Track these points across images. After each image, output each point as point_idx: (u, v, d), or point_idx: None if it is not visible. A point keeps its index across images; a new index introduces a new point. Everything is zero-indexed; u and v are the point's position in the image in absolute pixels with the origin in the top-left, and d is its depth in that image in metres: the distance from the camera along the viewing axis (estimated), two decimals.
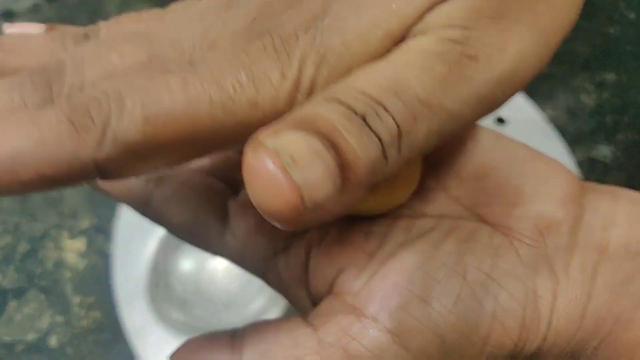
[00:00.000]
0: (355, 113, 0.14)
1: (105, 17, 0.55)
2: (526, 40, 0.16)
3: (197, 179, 0.23)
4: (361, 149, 0.14)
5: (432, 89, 0.15)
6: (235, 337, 0.19)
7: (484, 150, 0.22)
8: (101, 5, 0.58)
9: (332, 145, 0.14)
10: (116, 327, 0.39)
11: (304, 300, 0.21)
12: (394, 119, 0.15)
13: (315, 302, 0.21)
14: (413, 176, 0.21)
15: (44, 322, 0.41)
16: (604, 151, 0.44)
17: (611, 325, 0.19)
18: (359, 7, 0.16)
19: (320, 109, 0.14)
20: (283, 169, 0.13)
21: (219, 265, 0.41)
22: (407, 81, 0.15)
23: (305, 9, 0.16)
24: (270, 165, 0.13)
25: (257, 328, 0.19)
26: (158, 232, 0.42)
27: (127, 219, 0.43)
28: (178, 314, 0.39)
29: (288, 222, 0.14)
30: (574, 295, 0.19)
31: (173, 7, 0.20)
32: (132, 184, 0.22)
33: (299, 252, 0.21)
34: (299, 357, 0.18)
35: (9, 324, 0.41)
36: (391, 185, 0.20)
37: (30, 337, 0.40)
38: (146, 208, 0.22)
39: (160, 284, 0.40)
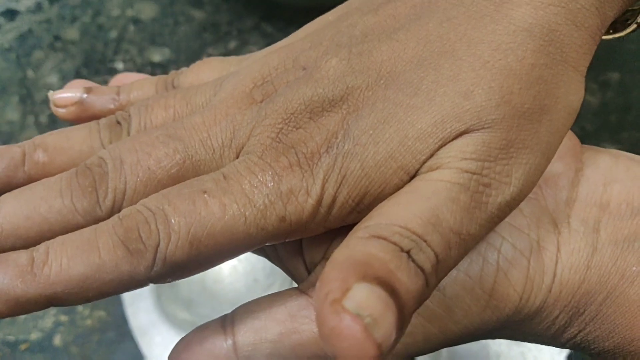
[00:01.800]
0: (402, 249, 0.15)
1: (107, 17, 0.54)
2: (531, 162, 0.17)
3: None
4: (411, 285, 0.15)
5: (461, 218, 0.16)
6: (225, 320, 0.19)
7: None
8: (103, 5, 0.58)
9: (391, 289, 0.15)
10: (121, 326, 0.39)
11: (300, 270, 0.21)
12: (433, 251, 0.16)
13: (311, 271, 0.21)
14: None
15: (48, 322, 0.41)
16: None
17: (617, 280, 0.19)
18: (377, 138, 0.17)
19: (372, 249, 0.15)
20: (366, 331, 0.14)
21: (225, 264, 0.41)
22: (441, 213, 0.16)
23: (326, 124, 0.18)
24: (355, 328, 0.14)
25: (248, 307, 0.19)
26: None
27: None
28: (184, 313, 0.39)
29: None
30: (577, 246, 0.19)
31: (195, 90, 0.21)
32: None
33: None
34: (296, 329, 0.18)
35: (13, 323, 0.41)
36: None
37: (35, 336, 0.40)
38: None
39: (166, 283, 0.40)
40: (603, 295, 0.19)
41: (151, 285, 0.39)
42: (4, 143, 0.50)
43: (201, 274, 0.40)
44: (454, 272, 0.18)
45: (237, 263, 0.41)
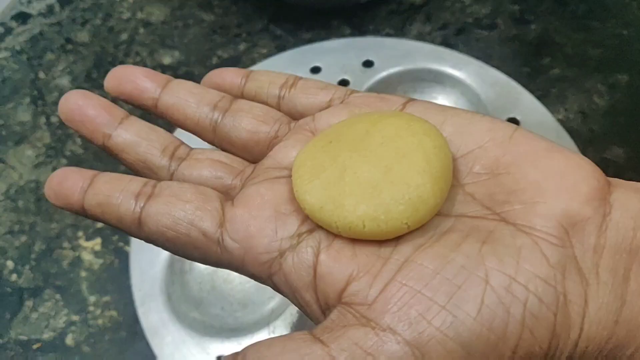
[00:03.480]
0: None
1: (118, 19, 0.55)
2: None
3: (189, 188, 0.22)
4: None
5: None
6: (237, 358, 0.18)
7: (498, 143, 0.21)
8: (113, 8, 0.58)
9: None
10: (132, 326, 0.39)
11: (312, 305, 0.20)
12: None
13: (324, 308, 0.20)
14: (440, 196, 0.20)
15: (60, 321, 0.41)
16: (617, 152, 0.44)
17: None
18: None
19: None
20: None
21: None
22: None
23: None
24: None
25: (259, 350, 0.18)
26: None
27: None
28: (194, 312, 0.39)
29: None
30: (606, 300, 0.18)
31: None
32: (121, 205, 0.22)
33: (307, 254, 0.20)
34: None
35: (25, 323, 0.41)
36: (413, 205, 0.20)
37: (46, 335, 0.40)
38: (139, 229, 0.22)
39: (177, 283, 0.40)
40: (632, 349, 0.18)
41: (161, 285, 0.39)
42: (15, 144, 0.50)
43: (211, 274, 0.41)
44: (477, 328, 0.17)
45: None
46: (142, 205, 0.22)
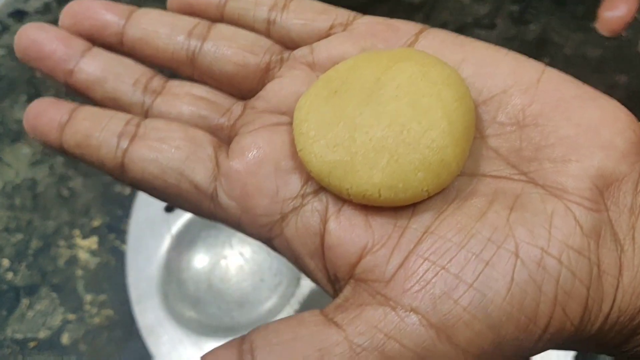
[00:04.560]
0: None
1: None
2: None
3: (178, 131, 0.20)
4: None
5: None
6: (243, 352, 0.16)
7: (524, 89, 0.18)
8: None
9: None
10: (129, 325, 0.39)
11: (317, 274, 0.18)
12: None
13: (332, 279, 0.18)
14: (462, 157, 0.18)
15: (56, 320, 0.41)
16: None
17: None
18: None
19: None
20: None
21: (232, 264, 0.41)
22: None
23: None
24: None
25: (268, 337, 0.16)
26: (171, 230, 0.42)
27: (140, 216, 0.43)
28: (191, 312, 0.39)
29: None
30: None
31: None
32: (102, 147, 0.20)
33: (312, 219, 0.18)
34: None
35: (21, 321, 0.41)
36: (434, 170, 0.18)
37: (43, 334, 0.40)
38: (122, 172, 0.20)
39: (173, 282, 0.40)
40: None
41: (158, 284, 0.39)
42: (12, 142, 0.50)
43: (208, 273, 0.41)
44: (508, 308, 0.16)
45: (243, 263, 0.41)
46: (124, 147, 0.19)
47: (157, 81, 0.22)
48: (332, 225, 0.18)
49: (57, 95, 0.52)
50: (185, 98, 0.21)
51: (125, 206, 0.45)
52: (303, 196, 0.19)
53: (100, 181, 0.47)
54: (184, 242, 0.42)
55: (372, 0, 0.54)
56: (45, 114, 0.21)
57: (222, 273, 0.40)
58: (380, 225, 0.18)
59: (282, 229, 0.19)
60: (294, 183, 0.19)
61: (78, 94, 0.22)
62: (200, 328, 0.38)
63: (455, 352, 0.15)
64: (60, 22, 0.23)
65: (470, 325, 0.15)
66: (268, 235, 0.19)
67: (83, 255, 0.43)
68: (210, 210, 0.20)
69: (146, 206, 0.43)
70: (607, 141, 0.17)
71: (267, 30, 0.22)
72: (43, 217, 0.45)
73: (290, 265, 0.40)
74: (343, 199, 0.18)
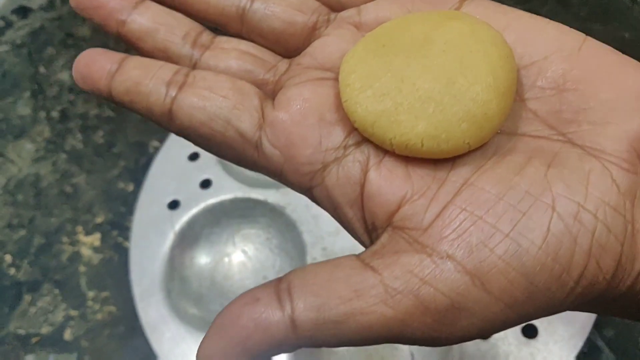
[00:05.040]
0: None
1: None
2: None
3: (226, 81, 0.21)
4: None
5: None
6: (280, 291, 0.17)
7: (566, 55, 0.19)
8: None
9: None
10: (131, 321, 0.39)
11: (355, 223, 0.19)
12: None
13: (370, 228, 0.19)
14: (505, 113, 0.19)
15: (59, 316, 0.41)
16: None
17: None
18: None
19: None
20: None
21: (235, 261, 0.41)
22: None
23: None
24: None
25: (305, 278, 0.17)
26: (174, 227, 0.42)
27: (144, 213, 0.43)
28: (193, 309, 0.39)
29: None
30: None
31: None
32: (151, 94, 0.20)
33: (353, 169, 0.19)
34: (363, 309, 0.16)
35: (23, 317, 0.41)
36: (477, 122, 0.18)
37: (45, 330, 0.40)
38: (170, 121, 0.20)
39: (176, 279, 0.40)
40: None
41: (161, 281, 0.39)
42: (15, 138, 0.50)
43: (211, 270, 0.41)
44: (542, 258, 0.16)
45: (246, 260, 0.41)
46: (173, 95, 0.20)
47: (206, 36, 0.23)
48: (372, 175, 0.18)
49: (61, 92, 0.53)
50: (233, 53, 0.22)
51: (128, 203, 0.45)
52: (345, 147, 0.19)
53: (104, 178, 0.47)
54: (187, 239, 0.42)
55: None
56: (96, 63, 0.21)
57: (225, 270, 0.40)
58: (420, 177, 0.18)
59: (323, 178, 0.19)
60: (337, 134, 0.19)
61: (129, 45, 0.23)
62: (203, 325, 0.38)
63: (489, 299, 0.16)
64: None
65: (504, 273, 0.16)
66: (309, 184, 0.19)
67: (86, 252, 0.43)
68: (253, 159, 0.20)
69: (150, 203, 0.43)
70: None
71: None
72: (46, 213, 0.45)
73: (292, 263, 0.40)
74: (384, 151, 0.19)
